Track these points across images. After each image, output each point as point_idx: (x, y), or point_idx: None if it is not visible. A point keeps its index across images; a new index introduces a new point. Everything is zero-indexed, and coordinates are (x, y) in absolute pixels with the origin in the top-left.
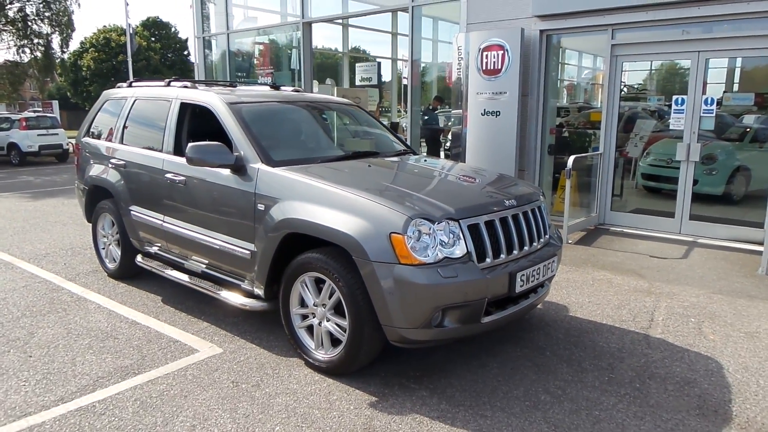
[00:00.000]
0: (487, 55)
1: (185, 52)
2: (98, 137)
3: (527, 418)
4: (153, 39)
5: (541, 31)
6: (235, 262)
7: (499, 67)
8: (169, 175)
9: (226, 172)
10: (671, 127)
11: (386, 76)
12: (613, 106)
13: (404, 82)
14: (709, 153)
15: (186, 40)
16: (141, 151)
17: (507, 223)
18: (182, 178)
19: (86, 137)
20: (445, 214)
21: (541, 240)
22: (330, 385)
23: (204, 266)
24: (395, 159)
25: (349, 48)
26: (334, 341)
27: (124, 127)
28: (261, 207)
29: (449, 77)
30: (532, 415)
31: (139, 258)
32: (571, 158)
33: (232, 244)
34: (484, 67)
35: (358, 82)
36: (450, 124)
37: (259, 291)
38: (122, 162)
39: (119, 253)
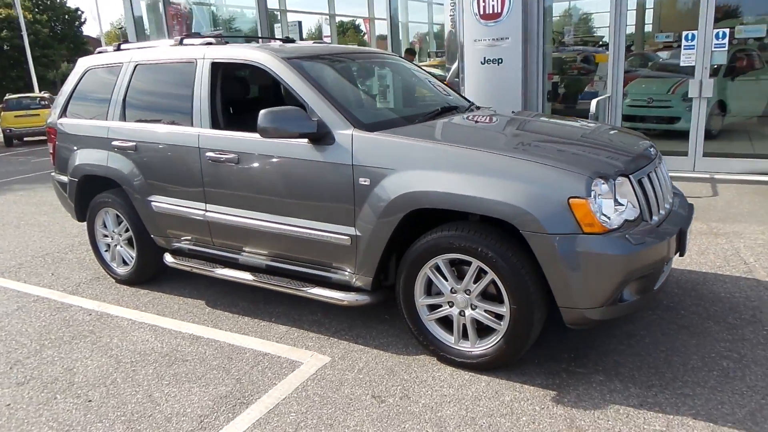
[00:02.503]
0: None
1: (76, 24)
2: (84, 117)
3: (733, 392)
4: (37, 10)
5: None
6: (326, 251)
7: (499, 11)
8: (210, 154)
9: (301, 143)
10: (682, 64)
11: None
12: (620, 44)
13: (326, 40)
14: (687, 91)
15: (77, 10)
16: (159, 128)
17: (658, 177)
18: (232, 155)
19: (63, 118)
20: (618, 169)
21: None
22: (489, 384)
23: (270, 260)
24: (490, 113)
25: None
26: (481, 331)
27: (125, 100)
28: (364, 181)
29: (368, 33)
30: (734, 385)
31: (169, 258)
32: (594, 101)
33: (322, 230)
34: (481, 12)
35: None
36: None
37: (361, 283)
38: (130, 144)
39: (134, 255)
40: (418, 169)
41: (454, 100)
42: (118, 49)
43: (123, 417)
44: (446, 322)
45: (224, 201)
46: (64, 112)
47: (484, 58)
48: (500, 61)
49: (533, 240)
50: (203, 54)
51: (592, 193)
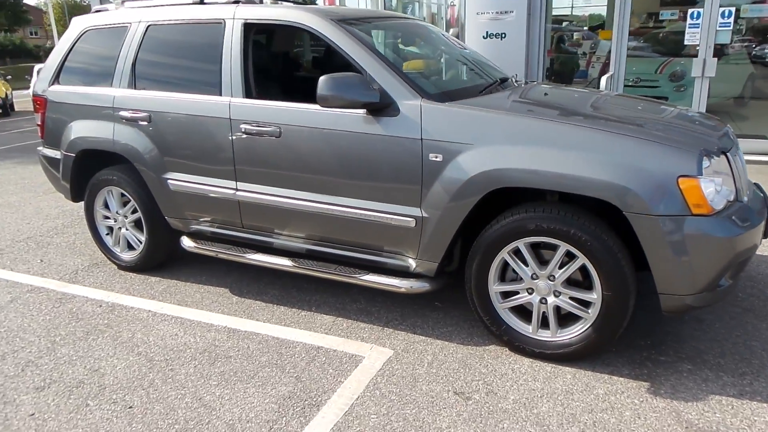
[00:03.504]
0: None
1: None
2: (81, 84)
3: None
4: None
5: None
6: (384, 234)
7: None
8: (246, 126)
9: (356, 114)
10: (686, 42)
11: None
12: (624, 23)
13: None
14: (673, 71)
15: None
16: (178, 96)
17: (740, 157)
18: (272, 128)
19: (55, 85)
20: (719, 146)
21: None
22: (576, 376)
23: (312, 244)
24: (551, 86)
25: None
26: (564, 319)
27: (134, 65)
28: (436, 158)
29: None
30: None
31: (188, 242)
32: (605, 77)
33: (380, 211)
34: None
35: None
36: None
37: (423, 269)
38: (143, 114)
39: (143, 239)
40: (502, 144)
41: (500, 71)
42: (121, 6)
43: (176, 426)
44: (520, 310)
45: (260, 179)
46: (56, 79)
47: (487, 32)
48: (503, 35)
49: (637, 222)
50: (233, 13)
51: (703, 172)
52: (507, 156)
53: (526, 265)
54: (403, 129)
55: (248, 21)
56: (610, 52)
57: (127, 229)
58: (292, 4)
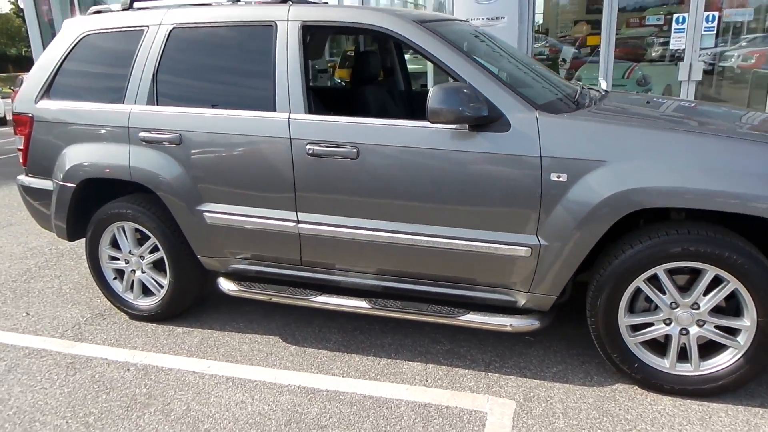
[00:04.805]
0: None
1: None
2: (81, 99)
3: None
4: None
5: None
6: (487, 266)
7: None
8: (314, 147)
9: (449, 129)
10: (671, 47)
11: None
12: (611, 27)
13: None
14: (640, 77)
15: None
16: (220, 113)
17: None
18: (348, 149)
19: (45, 100)
20: None
21: None
22: (729, 414)
23: (392, 281)
24: (636, 95)
25: None
26: (705, 349)
27: (155, 77)
28: (559, 177)
29: None
30: None
31: (228, 285)
32: (602, 81)
33: (486, 240)
34: None
35: None
36: None
37: (535, 303)
38: (171, 135)
39: (165, 282)
40: (643, 159)
41: (563, 80)
42: (130, 7)
43: None
44: (650, 343)
45: (330, 208)
46: (45, 94)
47: None
48: None
49: None
50: (286, 15)
51: None
52: (649, 173)
53: (664, 293)
54: (518, 146)
55: (307, 23)
56: (574, 58)
57: (143, 272)
58: (355, 6)
